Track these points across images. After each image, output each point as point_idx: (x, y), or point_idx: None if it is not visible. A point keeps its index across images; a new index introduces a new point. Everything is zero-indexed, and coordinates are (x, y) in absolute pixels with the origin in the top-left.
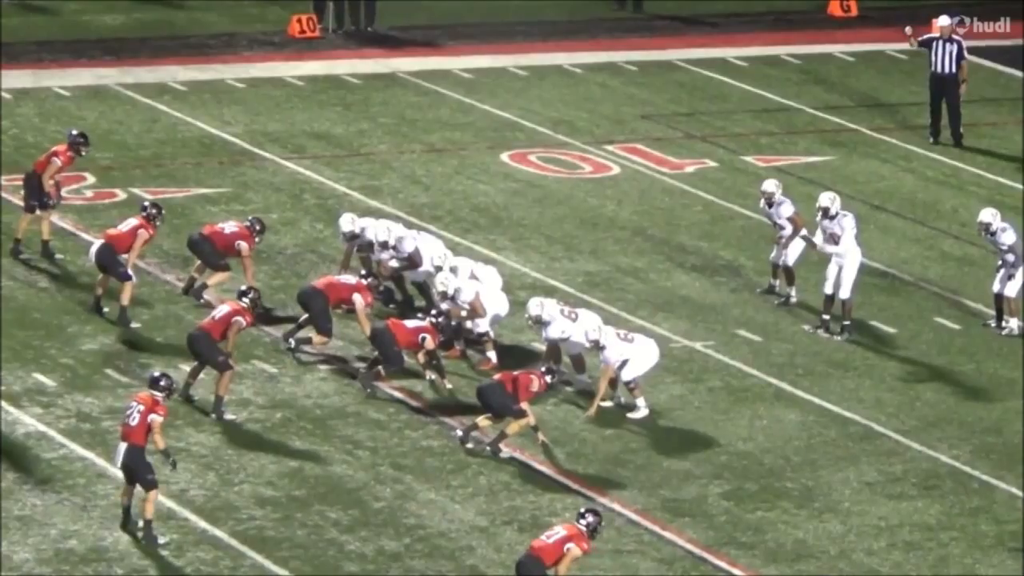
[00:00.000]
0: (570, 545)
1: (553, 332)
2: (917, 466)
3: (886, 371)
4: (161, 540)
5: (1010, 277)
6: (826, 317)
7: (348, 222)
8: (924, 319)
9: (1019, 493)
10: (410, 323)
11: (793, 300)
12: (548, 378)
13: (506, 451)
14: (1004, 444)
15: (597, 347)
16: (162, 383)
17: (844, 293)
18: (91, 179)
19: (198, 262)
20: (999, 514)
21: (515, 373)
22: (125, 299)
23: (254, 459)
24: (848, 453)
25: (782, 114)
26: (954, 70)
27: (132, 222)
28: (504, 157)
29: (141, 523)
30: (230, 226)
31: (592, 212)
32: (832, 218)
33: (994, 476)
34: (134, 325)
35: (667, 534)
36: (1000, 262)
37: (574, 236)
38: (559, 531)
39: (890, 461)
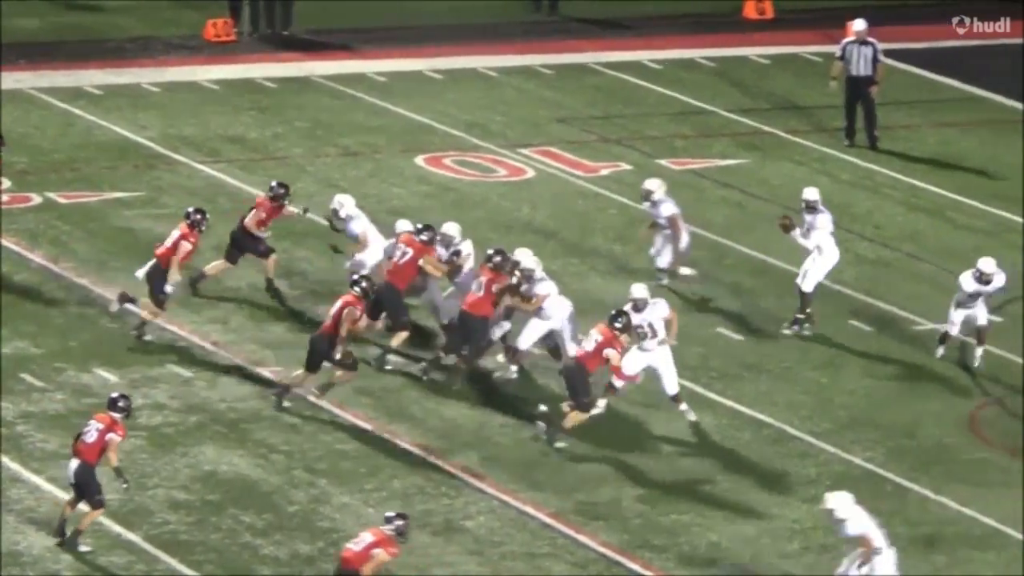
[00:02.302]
0: (377, 551)
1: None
2: (831, 468)
3: (800, 374)
4: (83, 548)
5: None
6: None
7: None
8: (839, 322)
9: (932, 495)
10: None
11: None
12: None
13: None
14: (918, 447)
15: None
16: (120, 404)
17: (807, 286)
18: (7, 183)
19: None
20: (912, 516)
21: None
22: (145, 314)
23: (168, 463)
24: (762, 456)
25: (697, 117)
26: (870, 72)
27: (175, 234)
28: (419, 160)
29: (70, 531)
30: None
31: (507, 215)
32: (815, 212)
33: (908, 478)
34: (148, 339)
35: (581, 537)
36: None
37: (489, 239)
38: (366, 537)
39: (804, 463)
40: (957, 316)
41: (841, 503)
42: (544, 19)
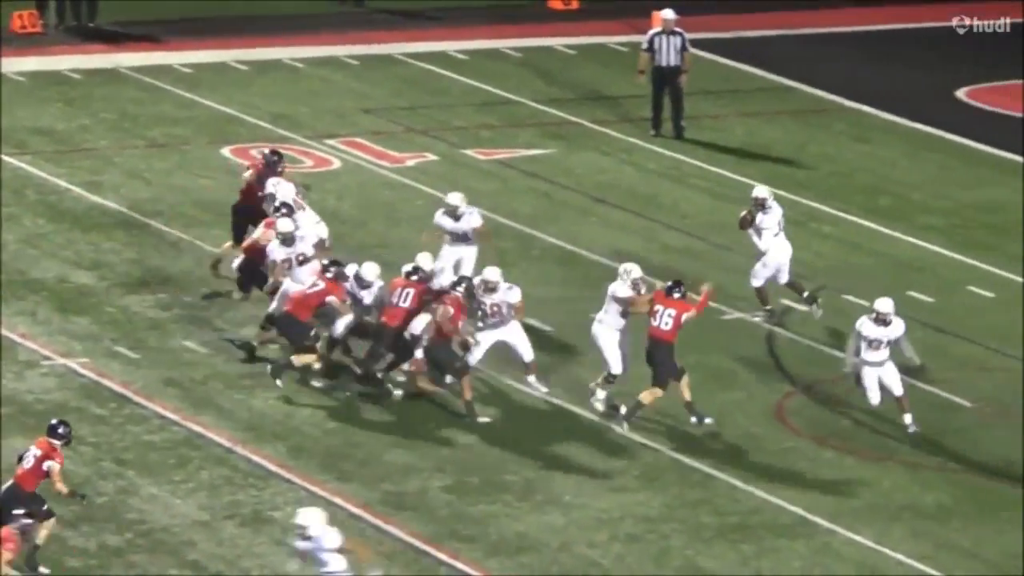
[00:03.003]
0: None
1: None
2: (639, 459)
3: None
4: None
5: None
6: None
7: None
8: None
9: (740, 484)
10: None
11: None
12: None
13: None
14: (725, 436)
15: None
16: (60, 431)
17: (755, 283)
18: None
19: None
20: (720, 506)
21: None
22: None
23: None
24: (571, 447)
25: (503, 107)
26: (679, 62)
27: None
28: (225, 152)
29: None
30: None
31: (313, 206)
32: (767, 211)
33: (716, 468)
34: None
35: (389, 528)
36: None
37: None
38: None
39: (613, 454)
40: (861, 369)
41: (312, 519)
42: (350, 10)
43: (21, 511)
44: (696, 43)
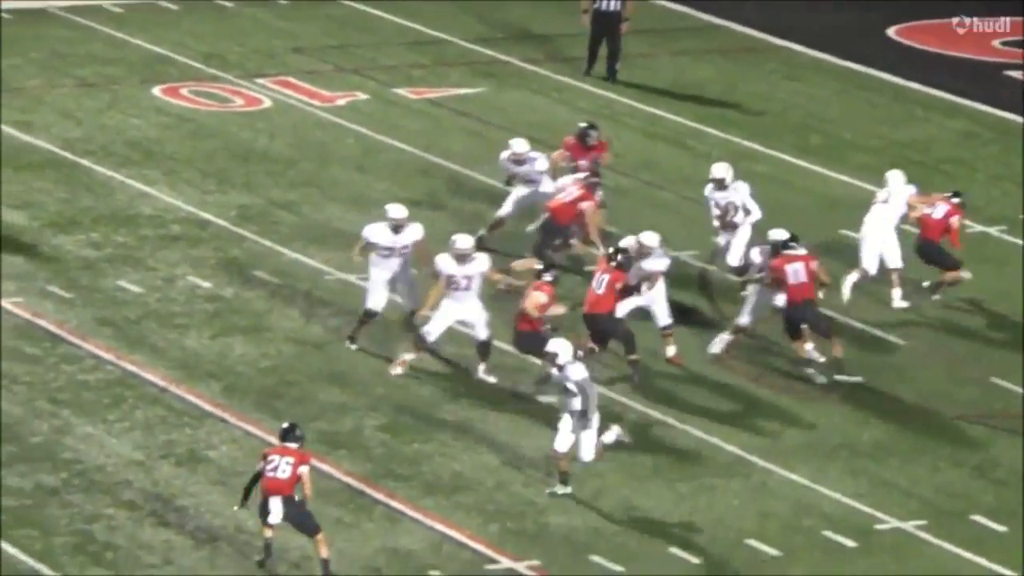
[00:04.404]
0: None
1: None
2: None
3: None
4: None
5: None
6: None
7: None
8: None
9: (676, 424)
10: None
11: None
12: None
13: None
14: (661, 376)
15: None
16: (297, 432)
17: (732, 261)
18: None
19: None
20: (655, 445)
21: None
22: None
23: None
24: (503, 386)
25: (433, 46)
26: (618, 7)
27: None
28: (156, 91)
29: None
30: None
31: (244, 146)
32: (725, 189)
33: (651, 407)
34: None
35: (324, 467)
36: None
37: (227, 169)
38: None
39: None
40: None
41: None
42: None
43: None
44: None
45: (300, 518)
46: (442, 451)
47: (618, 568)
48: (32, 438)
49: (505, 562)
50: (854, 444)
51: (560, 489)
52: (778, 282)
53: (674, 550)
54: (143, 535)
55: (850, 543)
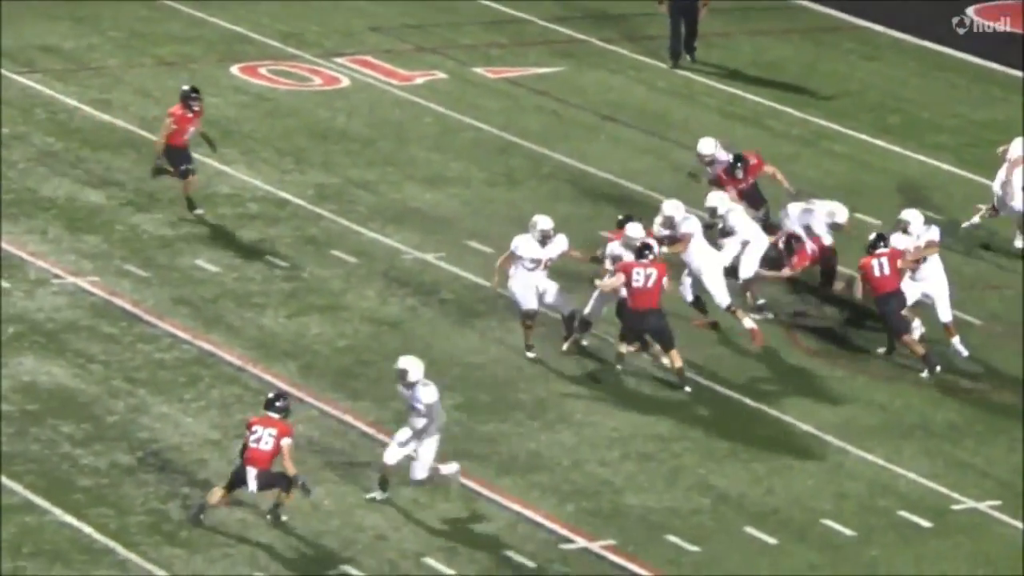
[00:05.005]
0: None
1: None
2: (650, 379)
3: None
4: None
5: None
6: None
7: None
8: None
9: (751, 403)
10: None
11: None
12: None
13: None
14: (737, 357)
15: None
16: (278, 404)
17: (744, 275)
18: None
19: None
20: (732, 425)
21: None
22: None
23: None
24: (580, 365)
25: (512, 26)
26: None
27: None
28: (234, 70)
29: None
30: None
31: (323, 125)
32: (721, 217)
33: (728, 388)
34: None
35: None
36: None
37: (304, 149)
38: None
39: (624, 372)
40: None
41: (412, 364)
42: None
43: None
44: None
45: (271, 479)
46: (518, 431)
47: (694, 548)
48: (108, 417)
49: (580, 541)
50: (929, 424)
51: (378, 495)
52: (866, 279)
53: (750, 530)
54: (218, 514)
55: (925, 523)
